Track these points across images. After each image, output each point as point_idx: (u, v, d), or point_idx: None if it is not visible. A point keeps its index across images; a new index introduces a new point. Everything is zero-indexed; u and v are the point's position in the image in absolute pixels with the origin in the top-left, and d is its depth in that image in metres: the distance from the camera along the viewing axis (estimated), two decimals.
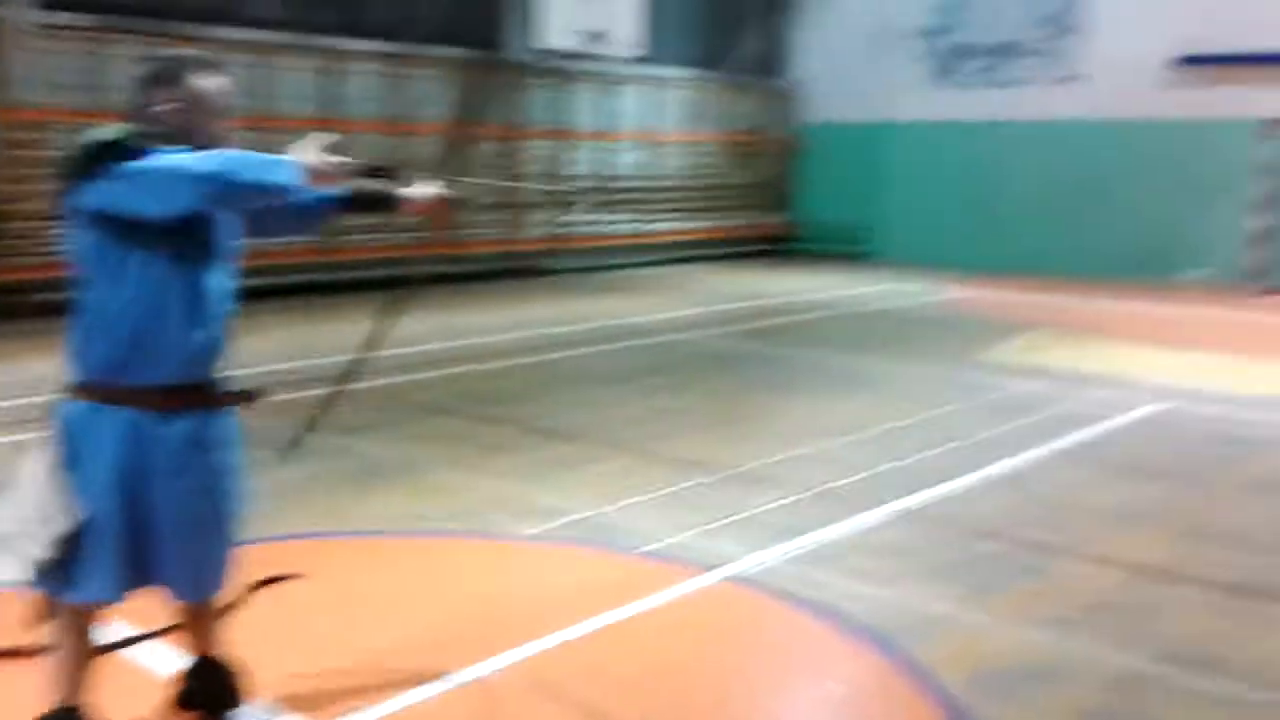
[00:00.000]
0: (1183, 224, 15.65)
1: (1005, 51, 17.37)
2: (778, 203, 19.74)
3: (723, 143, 18.53)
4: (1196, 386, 8.46)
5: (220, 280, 2.93)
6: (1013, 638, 4.02)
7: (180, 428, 2.88)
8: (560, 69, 15.65)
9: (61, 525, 2.78)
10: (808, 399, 7.90)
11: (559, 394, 7.97)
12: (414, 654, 3.74)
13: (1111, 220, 16.27)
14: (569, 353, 9.56)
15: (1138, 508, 5.54)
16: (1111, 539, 5.09)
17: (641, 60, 16.30)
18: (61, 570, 2.82)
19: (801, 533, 5.02)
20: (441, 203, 3.34)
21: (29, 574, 2.83)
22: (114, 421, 2.83)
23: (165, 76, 2.86)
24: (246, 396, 3.03)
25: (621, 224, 16.96)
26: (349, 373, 4.51)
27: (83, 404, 2.85)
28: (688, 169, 17.95)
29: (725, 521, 5.18)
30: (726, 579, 4.50)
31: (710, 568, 4.59)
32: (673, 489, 5.68)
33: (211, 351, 2.92)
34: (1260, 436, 7.01)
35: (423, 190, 3.33)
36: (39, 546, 2.78)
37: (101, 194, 2.73)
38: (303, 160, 2.65)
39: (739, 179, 18.88)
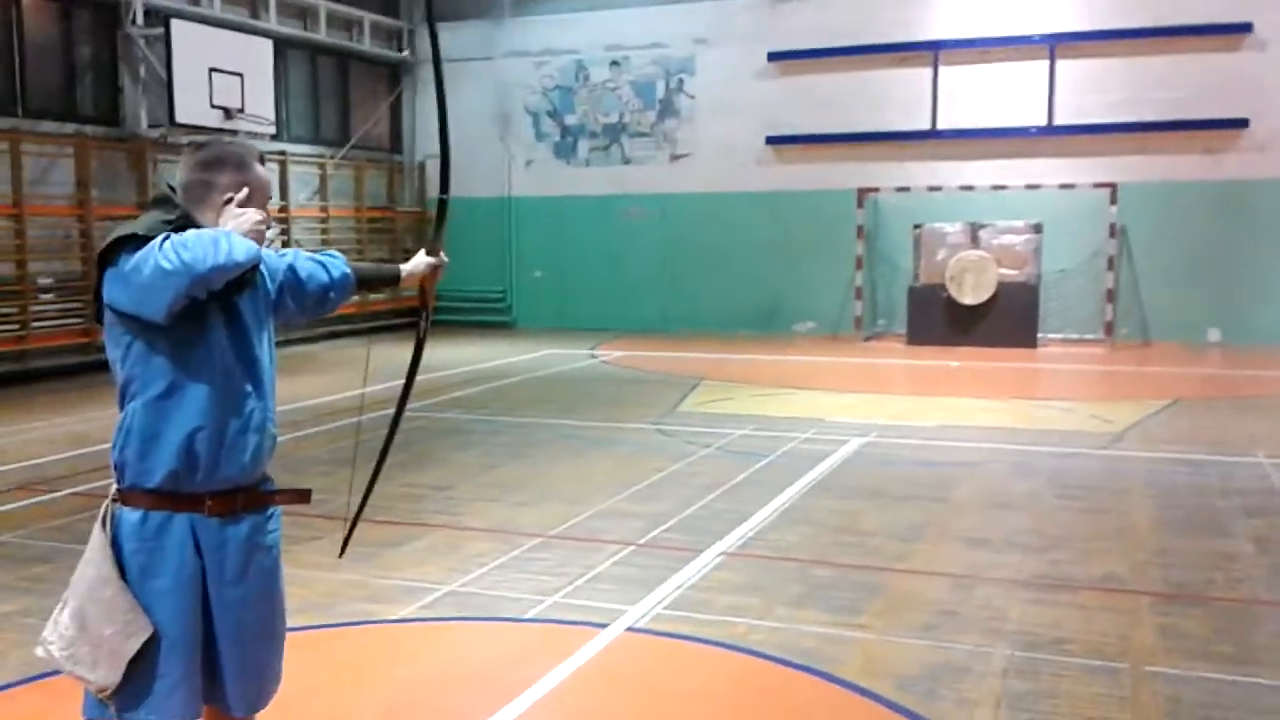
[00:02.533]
0: (794, 283, 17.55)
1: (617, 133, 18.65)
2: None
3: (356, 218, 18.34)
4: (877, 422, 9.63)
5: (265, 357, 2.79)
6: (901, 647, 4.52)
7: (239, 531, 2.70)
8: (192, 144, 14.84)
9: (133, 644, 2.51)
10: (561, 462, 8.14)
11: (307, 479, 7.61)
12: None
13: (730, 282, 17.90)
14: (284, 438, 9.12)
15: (905, 524, 6.31)
16: (908, 553, 5.78)
17: (272, 137, 15.87)
18: (135, 693, 2.53)
19: (659, 582, 5.27)
20: (435, 270, 3.37)
21: (96, 702, 2.52)
22: (175, 529, 2.60)
23: (233, 160, 2.71)
24: (302, 495, 2.88)
25: None
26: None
27: (139, 511, 2.59)
28: (322, 244, 17.56)
29: (581, 581, 5.32)
30: (628, 630, 4.67)
31: (604, 624, 4.73)
32: (509, 556, 5.72)
33: (266, 447, 2.76)
34: (958, 460, 8.15)
35: (417, 261, 3.36)
36: (106, 669, 2.49)
37: (114, 291, 2.55)
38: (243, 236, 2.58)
39: (373, 253, 18.73)
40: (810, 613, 4.89)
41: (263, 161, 2.82)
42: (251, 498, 2.74)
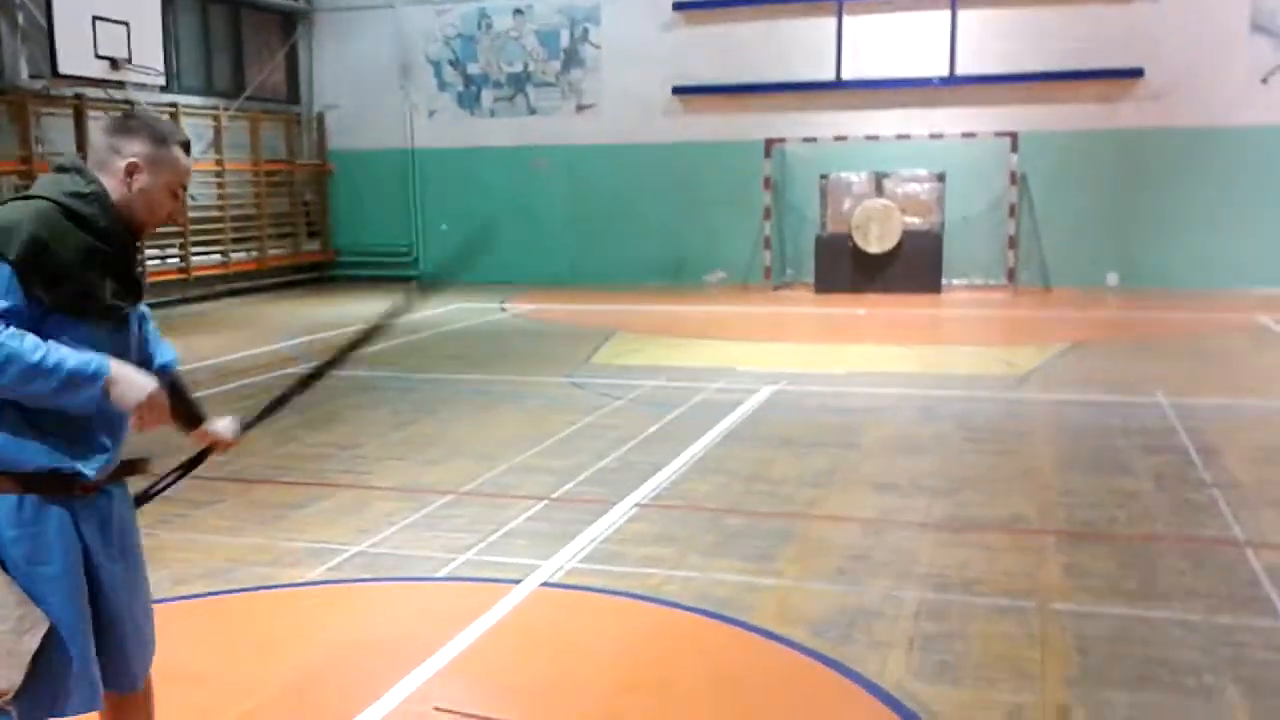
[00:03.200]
0: (702, 234, 17.53)
1: (521, 82, 18.35)
2: (314, 231, 19.33)
3: (253, 172, 17.80)
4: (787, 370, 9.67)
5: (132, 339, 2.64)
6: (814, 593, 4.54)
7: (108, 507, 2.56)
8: (77, 97, 14.23)
9: (31, 641, 2.36)
10: (472, 418, 8.02)
11: None
12: (303, 706, 3.50)
13: (639, 234, 17.81)
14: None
15: (816, 471, 6.34)
16: (820, 500, 5.81)
17: (163, 89, 15.28)
18: (38, 695, 2.40)
19: (572, 535, 5.22)
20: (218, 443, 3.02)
21: None
22: (53, 512, 2.45)
23: (151, 134, 2.53)
24: (143, 464, 2.72)
25: (150, 260, 15.75)
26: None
27: (13, 497, 2.43)
28: (216, 199, 17.02)
29: (494, 537, 5.25)
30: (543, 585, 4.61)
31: (517, 580, 4.66)
32: (419, 515, 5.62)
33: (124, 420, 2.59)
34: (866, 405, 8.22)
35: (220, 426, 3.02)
36: (4, 671, 2.34)
37: None
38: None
39: (271, 208, 18.23)
40: (724, 561, 4.89)
41: (188, 152, 2.63)
42: (117, 470, 2.60)
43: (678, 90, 17.45)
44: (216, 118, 16.90)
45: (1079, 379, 9.14)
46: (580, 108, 18.18)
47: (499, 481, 6.25)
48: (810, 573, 4.75)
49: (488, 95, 18.63)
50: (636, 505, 5.73)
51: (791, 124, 16.91)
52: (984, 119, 16.17)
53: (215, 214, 16.88)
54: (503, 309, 14.83)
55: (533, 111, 18.40)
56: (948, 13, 16.19)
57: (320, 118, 19.35)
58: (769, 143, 16.60)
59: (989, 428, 7.40)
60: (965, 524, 5.38)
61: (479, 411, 8.21)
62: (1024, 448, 6.85)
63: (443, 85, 18.81)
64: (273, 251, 18.12)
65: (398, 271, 18.87)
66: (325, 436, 7.43)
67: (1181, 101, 15.53)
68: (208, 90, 17.29)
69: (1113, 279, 16.10)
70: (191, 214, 16.32)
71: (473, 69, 18.66)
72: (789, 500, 5.82)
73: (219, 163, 16.91)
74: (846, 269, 15.98)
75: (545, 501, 5.82)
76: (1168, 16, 15.42)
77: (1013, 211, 15.88)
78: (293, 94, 19.33)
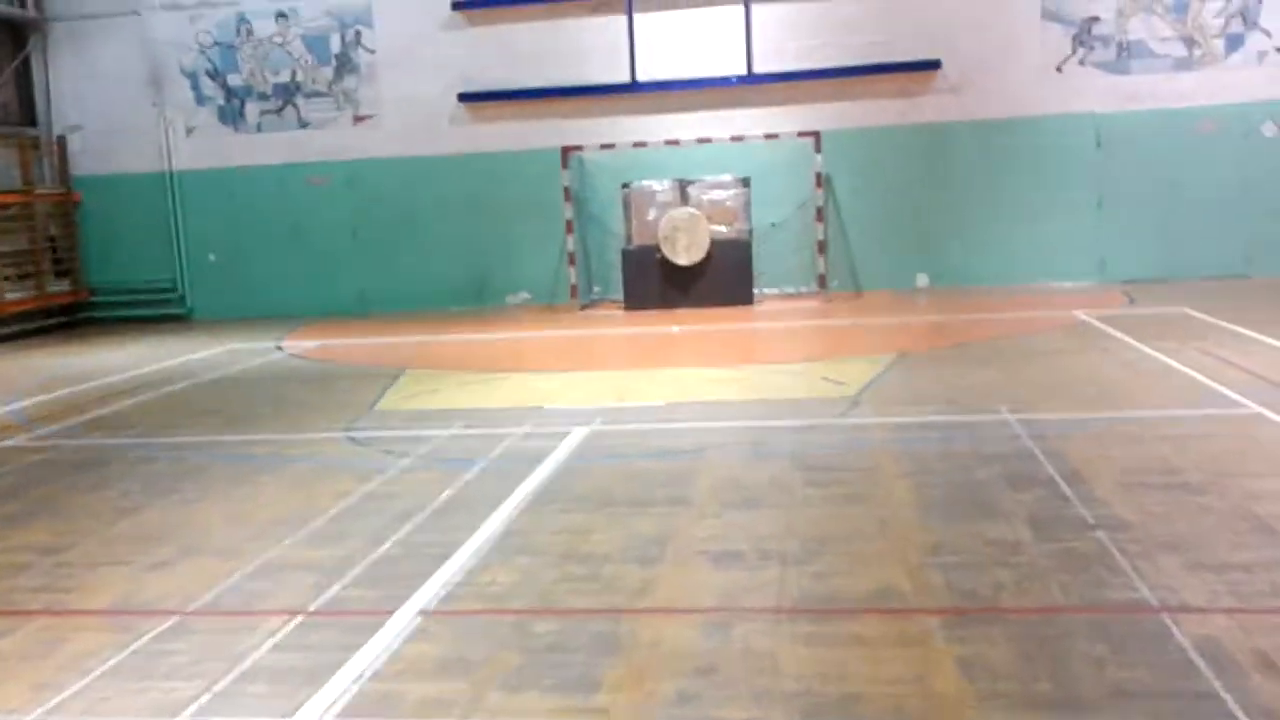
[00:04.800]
0: (502, 251, 16.31)
1: (290, 93, 16.74)
2: (62, 269, 17.15)
3: None
4: (600, 405, 8.58)
5: None
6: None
7: None
8: None
9: None
10: (221, 495, 6.58)
11: None
12: None
13: (431, 254, 16.48)
14: None
15: (642, 540, 5.24)
16: (649, 584, 4.71)
17: None
18: None
19: (331, 670, 3.95)
20: None
21: None
22: None
23: None
24: None
25: None
26: None
27: None
28: None
29: (223, 683, 3.92)
30: None
31: None
32: (127, 652, 4.24)
33: None
34: (691, 444, 7.19)
35: None
36: None
37: None
38: None
39: (7, 245, 16.02)
40: (533, 696, 3.72)
41: None
42: None
43: (464, 97, 16.21)
44: None
45: (914, 396, 8.38)
46: (358, 118, 16.69)
47: (243, 589, 4.90)
48: (645, 703, 3.64)
49: (253, 108, 16.92)
50: (420, 613, 4.50)
51: (588, 130, 15.90)
52: (786, 119, 15.55)
53: None
54: (279, 348, 13.23)
55: (305, 124, 16.80)
56: (741, 8, 15.49)
57: (62, 140, 17.21)
58: (565, 150, 15.54)
59: (830, 465, 6.47)
60: (828, 605, 4.37)
61: (232, 486, 6.78)
62: (874, 489, 5.94)
63: (201, 99, 16.99)
64: (11, 295, 15.90)
65: (161, 310, 16.98)
66: (23, 536, 5.89)
67: (979, 93, 15.27)
68: None
69: (923, 280, 15.73)
70: None
71: (234, 80, 16.92)
72: (612, 587, 4.69)
73: None
74: (656, 283, 15.06)
75: (300, 618, 4.52)
76: (961, 7, 15.14)
77: (820, 215, 15.29)
78: (27, 115, 17.11)
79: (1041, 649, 3.87)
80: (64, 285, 17.06)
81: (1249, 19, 14.65)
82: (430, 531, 5.59)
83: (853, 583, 4.59)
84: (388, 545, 5.40)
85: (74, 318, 17.08)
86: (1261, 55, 14.68)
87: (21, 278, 16.31)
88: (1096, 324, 11.42)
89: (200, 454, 7.71)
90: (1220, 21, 14.69)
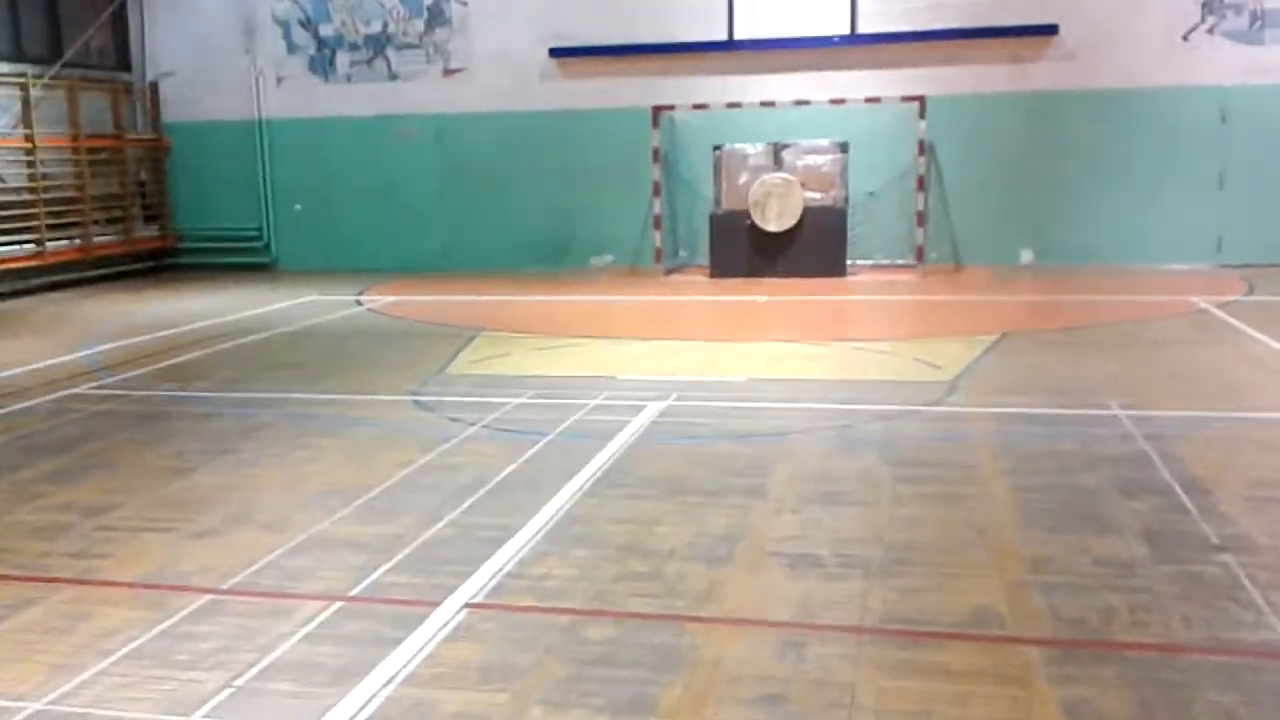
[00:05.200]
0: (587, 212, 15.93)
1: (381, 44, 16.47)
2: (151, 214, 17.22)
3: (73, 149, 15.61)
4: (678, 378, 8.16)
5: None
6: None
7: None
8: None
9: None
10: (278, 459, 6.31)
11: None
12: None
13: (518, 213, 16.16)
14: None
15: (712, 537, 4.82)
16: (717, 587, 4.29)
17: None
18: None
19: (359, 673, 3.60)
20: None
21: None
22: None
23: None
24: None
25: None
26: None
27: None
28: (30, 180, 14.85)
29: (246, 678, 3.60)
30: None
31: None
32: (154, 632, 3.95)
33: None
34: (772, 427, 6.73)
35: None
36: None
37: None
38: None
39: (98, 189, 16.08)
40: (580, 716, 3.33)
41: None
42: None
43: (555, 52, 15.78)
44: (24, 86, 14.69)
45: (1016, 384, 7.79)
46: (448, 72, 16.38)
47: (283, 566, 4.60)
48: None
49: (343, 59, 16.72)
50: (465, 607, 4.14)
51: (680, 89, 15.38)
52: (889, 82, 14.84)
53: (27, 197, 14.72)
54: (358, 302, 13.04)
55: (395, 77, 16.54)
56: None
57: (154, 86, 17.21)
58: (656, 110, 15.03)
59: (924, 459, 5.96)
60: (916, 627, 3.91)
61: (291, 448, 6.51)
62: (971, 490, 5.43)
63: (292, 48, 16.83)
64: (100, 239, 15.99)
65: (247, 259, 16.96)
66: (70, 493, 5.68)
67: (1098, 61, 14.39)
68: (16, 55, 15.07)
69: (1027, 256, 14.97)
70: None
71: (325, 30, 16.72)
72: (675, 590, 4.28)
73: (29, 138, 14.73)
74: (744, 250, 14.54)
75: (338, 604, 4.20)
76: None
77: (921, 184, 14.58)
78: (121, 60, 17.13)
79: (1159, 693, 3.37)
80: (152, 230, 17.13)
81: None
82: (487, 511, 5.24)
83: (944, 601, 4.11)
84: (441, 525, 5.06)
85: (161, 263, 17.15)
86: None
87: (111, 222, 16.40)
88: (1216, 312, 10.64)
89: (265, 411, 7.48)
90: None
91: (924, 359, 8.78)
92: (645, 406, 7.26)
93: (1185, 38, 14.10)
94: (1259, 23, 13.89)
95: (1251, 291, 12.08)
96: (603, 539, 4.84)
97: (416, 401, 7.67)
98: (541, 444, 6.41)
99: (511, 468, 5.93)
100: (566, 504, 5.30)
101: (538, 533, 4.92)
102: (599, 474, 5.77)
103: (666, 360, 8.99)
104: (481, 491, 5.53)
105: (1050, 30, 14.35)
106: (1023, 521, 4.95)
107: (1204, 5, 14.01)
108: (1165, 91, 14.22)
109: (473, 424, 6.94)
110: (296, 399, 7.83)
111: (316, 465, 6.13)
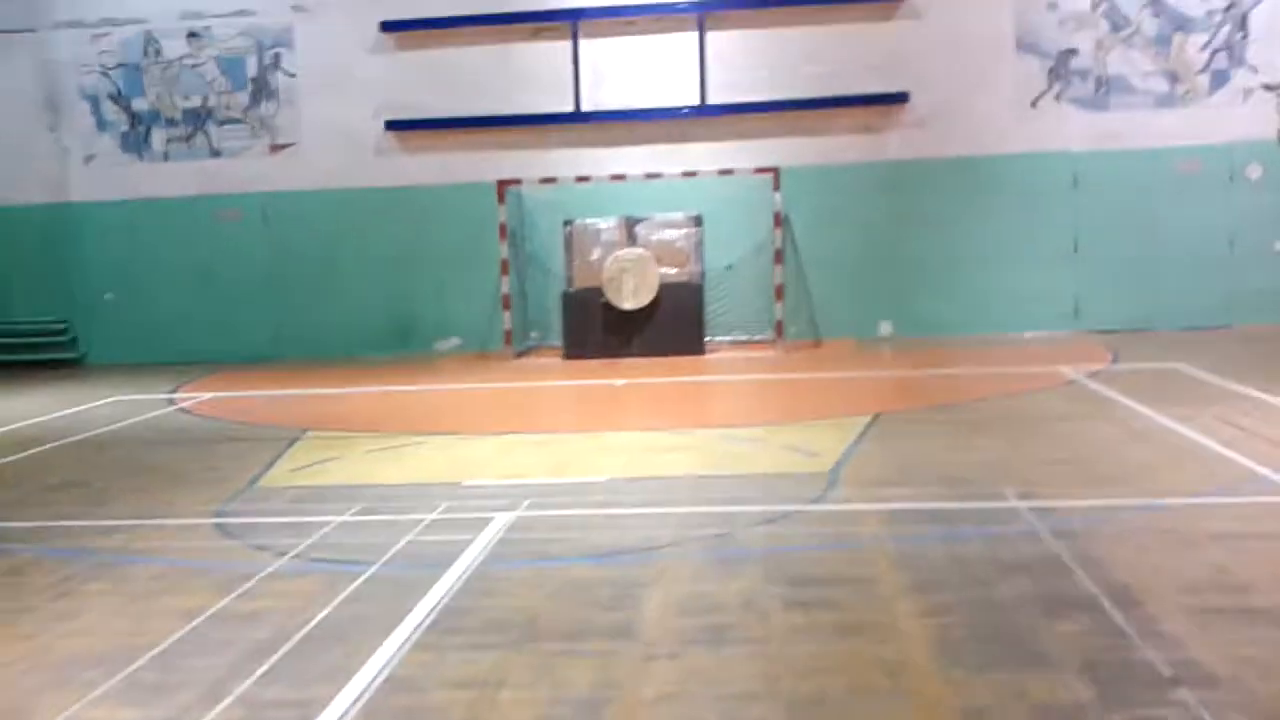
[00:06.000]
0: (431, 294, 14.93)
1: (201, 119, 15.29)
2: None
3: None
4: (531, 480, 7.21)
5: None
6: None
7: None
8: None
9: None
10: (28, 616, 5.09)
11: None
12: None
13: (353, 295, 15.04)
14: None
15: (574, 703, 3.87)
16: None
17: None
18: None
19: None
20: None
21: None
22: None
23: None
24: None
25: None
26: None
27: None
28: None
29: None
30: None
31: None
32: None
33: None
34: (639, 541, 5.82)
35: None
36: None
37: None
38: None
39: None
40: None
41: None
42: None
43: (392, 125, 14.85)
44: None
45: (900, 473, 7.09)
46: (275, 147, 15.26)
47: None
48: None
49: (159, 135, 15.44)
50: None
51: (527, 163, 14.60)
52: (742, 154, 14.36)
53: None
54: (170, 401, 11.71)
55: (217, 153, 15.34)
56: (695, 34, 14.33)
57: None
58: (502, 185, 14.19)
59: (814, 575, 5.13)
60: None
61: (49, 598, 5.30)
62: (875, 614, 4.61)
63: (103, 124, 15.48)
64: None
65: (51, 355, 15.35)
66: None
67: (949, 129, 14.19)
68: None
69: (886, 328, 14.56)
70: None
71: (140, 104, 15.44)
72: None
73: None
74: (598, 329, 13.74)
75: None
76: (930, 36, 14.08)
77: (778, 257, 14.05)
78: None
79: None
80: None
81: (1234, 55, 13.74)
82: (287, 680, 4.17)
83: None
84: (227, 703, 3.98)
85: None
86: (1247, 93, 13.77)
87: None
88: (1087, 383, 10.26)
89: (30, 545, 6.23)
90: (1205, 56, 13.76)
91: (797, 446, 8.04)
92: (492, 519, 6.28)
93: (1034, 104, 14.03)
94: (1104, 88, 13.92)
95: (1116, 359, 11.82)
96: (434, 714, 3.83)
97: (218, 525, 6.52)
98: (363, 578, 5.36)
99: (323, 613, 4.87)
100: (389, 663, 4.27)
101: (348, 708, 3.88)
102: (432, 617, 4.76)
103: (518, 459, 8.04)
104: (283, 650, 4.46)
105: (901, 99, 14.12)
106: (941, 656, 4.14)
107: (1050, 72, 13.98)
108: (1017, 158, 14.10)
109: (282, 553, 5.84)
110: (70, 528, 6.58)
111: (78, 621, 4.95)
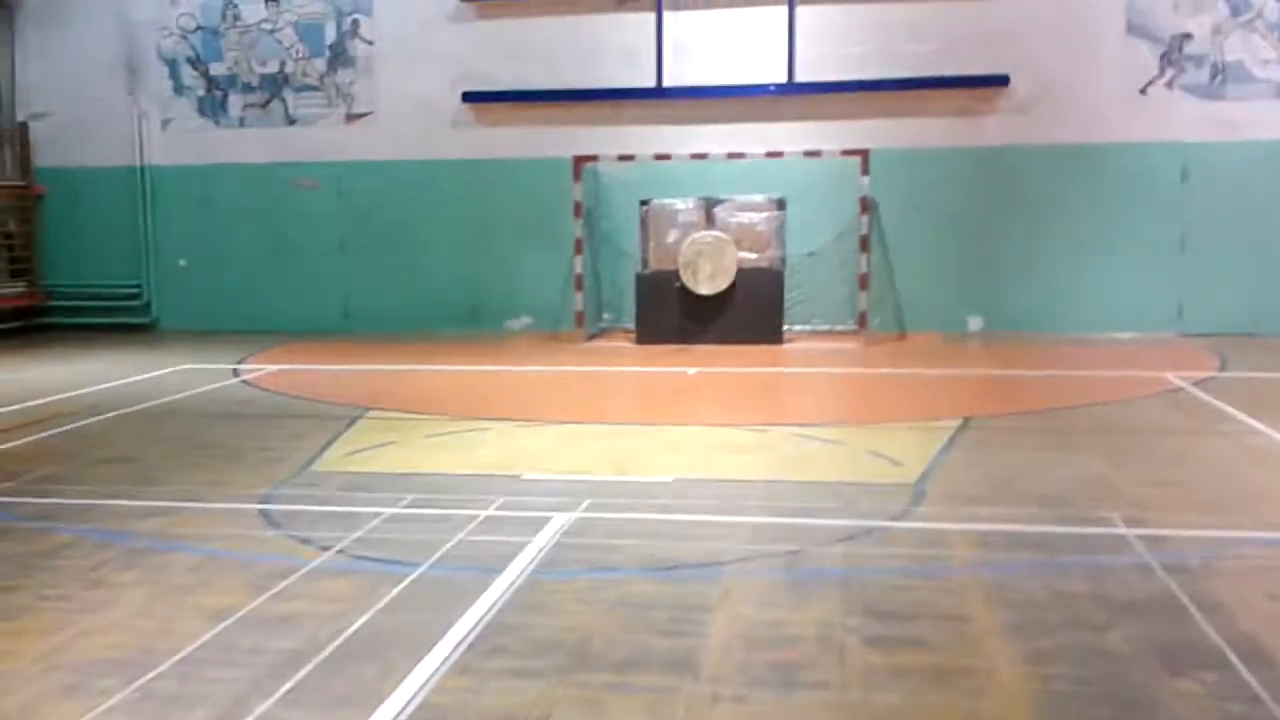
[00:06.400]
0: (502, 270, 14.59)
1: (278, 85, 15.08)
2: (18, 269, 15.54)
3: None
4: (592, 477, 6.79)
5: None
6: None
7: None
8: None
9: None
10: (52, 608, 4.80)
11: None
12: None
13: (424, 271, 14.79)
14: None
15: None
16: None
17: None
18: None
19: None
20: None
21: None
22: None
23: None
24: None
25: None
26: None
27: None
28: None
29: None
30: None
31: None
32: None
33: None
34: (704, 554, 5.37)
35: None
36: None
37: None
38: None
39: None
40: None
41: None
42: None
43: (470, 97, 14.51)
44: None
45: (992, 489, 6.53)
46: (351, 116, 15.02)
47: None
48: None
49: (236, 101, 15.28)
50: None
51: (605, 139, 14.16)
52: (829, 135, 13.77)
53: None
54: (235, 372, 11.51)
55: (293, 121, 15.15)
56: (784, 9, 13.73)
57: (24, 128, 15.60)
58: (578, 161, 13.76)
59: (897, 608, 4.63)
60: None
61: (81, 586, 5.01)
62: (967, 661, 4.10)
63: (180, 89, 15.37)
64: None
65: (124, 319, 15.37)
66: None
67: (1051, 115, 13.46)
68: None
69: (975, 323, 13.90)
70: None
71: (217, 69, 15.29)
72: None
73: None
74: (673, 314, 13.28)
75: None
76: (1035, 16, 13.33)
77: (864, 245, 13.45)
78: None
79: None
80: (18, 287, 15.42)
81: None
82: (311, 701, 3.79)
83: None
84: (284, 687, 3.61)
85: (29, 323, 15.45)
86: None
87: None
88: (1194, 391, 9.56)
89: (71, 524, 5.96)
90: None
91: (879, 451, 7.51)
92: (550, 519, 5.87)
93: (1143, 91, 13.23)
94: (1220, 76, 13.07)
95: (1224, 366, 11.06)
96: None
97: (263, 512, 6.19)
98: (408, 580, 4.98)
99: (361, 620, 4.50)
100: (423, 689, 3.87)
101: None
102: (476, 633, 4.36)
103: (581, 451, 7.62)
104: (312, 664, 4.09)
105: (1001, 81, 13.41)
106: (1044, 715, 3.62)
107: (1162, 57, 13.16)
108: (1122, 147, 13.31)
109: (326, 547, 5.49)
110: (114, 507, 6.30)
111: (104, 616, 4.63)
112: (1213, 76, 13.09)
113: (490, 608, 4.62)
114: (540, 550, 5.36)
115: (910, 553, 5.36)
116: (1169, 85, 13.19)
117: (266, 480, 6.87)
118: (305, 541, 5.62)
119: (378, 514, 6.06)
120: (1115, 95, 13.29)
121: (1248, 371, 10.66)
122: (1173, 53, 13.12)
